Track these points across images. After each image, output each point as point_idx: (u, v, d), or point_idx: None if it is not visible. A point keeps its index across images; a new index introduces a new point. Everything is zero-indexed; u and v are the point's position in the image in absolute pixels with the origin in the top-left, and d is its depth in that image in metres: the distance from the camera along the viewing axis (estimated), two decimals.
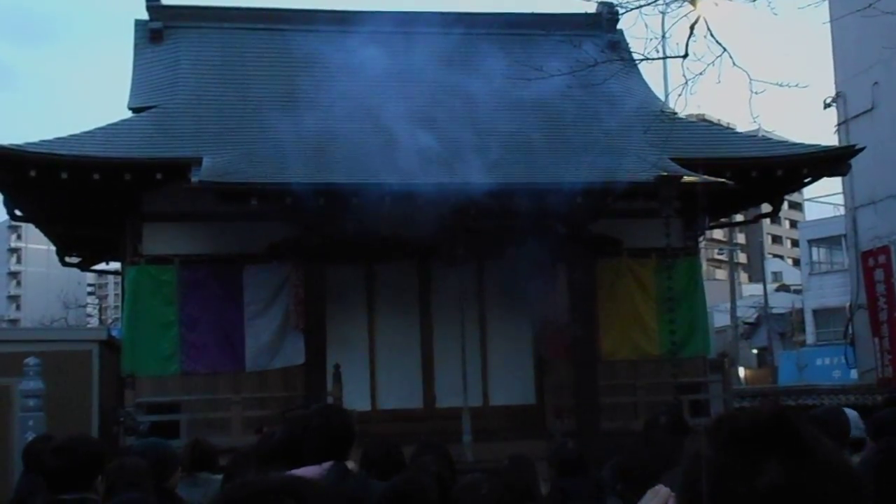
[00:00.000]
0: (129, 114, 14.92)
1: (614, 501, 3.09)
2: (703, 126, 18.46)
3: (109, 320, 55.27)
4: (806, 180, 15.59)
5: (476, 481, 3.81)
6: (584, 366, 13.74)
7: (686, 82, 8.81)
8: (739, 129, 21.97)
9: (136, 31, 16.85)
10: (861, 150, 15.16)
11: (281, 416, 12.89)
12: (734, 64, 8.82)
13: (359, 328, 14.69)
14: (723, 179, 12.96)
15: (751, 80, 8.84)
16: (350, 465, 3.61)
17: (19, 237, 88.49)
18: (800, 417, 1.19)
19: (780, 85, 8.94)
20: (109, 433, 12.51)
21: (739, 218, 19.93)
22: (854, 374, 22.94)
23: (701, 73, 9.14)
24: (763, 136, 20.51)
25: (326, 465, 3.55)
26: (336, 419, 3.72)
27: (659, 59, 9.71)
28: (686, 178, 12.62)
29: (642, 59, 10.11)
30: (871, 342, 19.37)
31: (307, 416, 3.73)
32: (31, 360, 10.63)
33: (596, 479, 4.66)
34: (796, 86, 9.99)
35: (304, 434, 3.60)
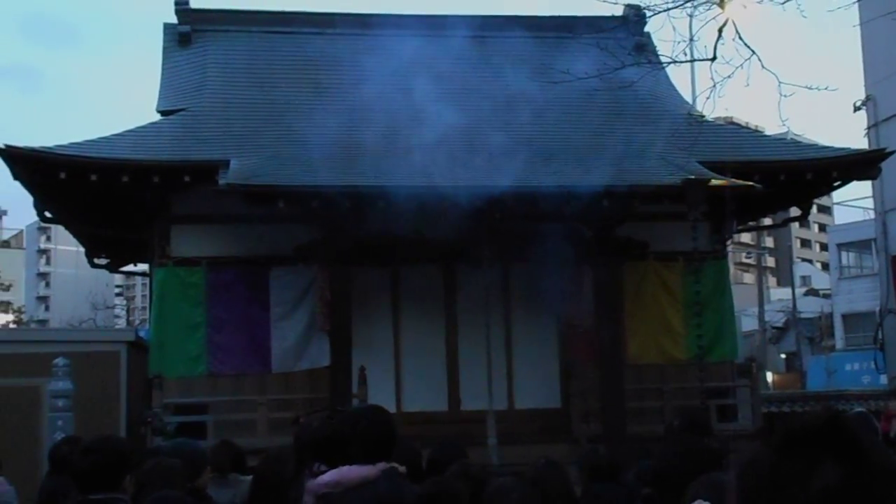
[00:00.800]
0: (157, 116, 15.03)
1: None
2: (731, 129, 18.34)
3: (137, 321, 55.67)
4: (835, 184, 15.45)
5: (506, 485, 3.80)
6: (611, 369, 13.69)
7: (714, 85, 8.77)
8: (768, 133, 21.87)
9: (165, 34, 16.98)
10: (891, 153, 15.02)
11: (307, 417, 12.96)
12: (763, 67, 8.78)
13: (384, 330, 14.70)
14: (751, 183, 12.87)
15: (780, 83, 8.78)
16: (401, 469, 3.62)
17: (48, 238, 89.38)
18: (854, 421, 1.19)
19: (810, 88, 8.90)
20: (137, 434, 12.59)
21: (767, 221, 19.80)
22: (884, 379, 22.71)
23: (729, 76, 9.10)
24: (792, 139, 20.37)
25: (380, 465, 3.56)
26: (384, 420, 3.73)
27: (687, 61, 9.68)
28: (714, 182, 12.54)
29: (670, 62, 10.09)
30: None
31: (354, 415, 3.74)
32: (59, 361, 10.71)
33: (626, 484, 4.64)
34: (826, 89, 9.92)
35: (353, 433, 3.61)
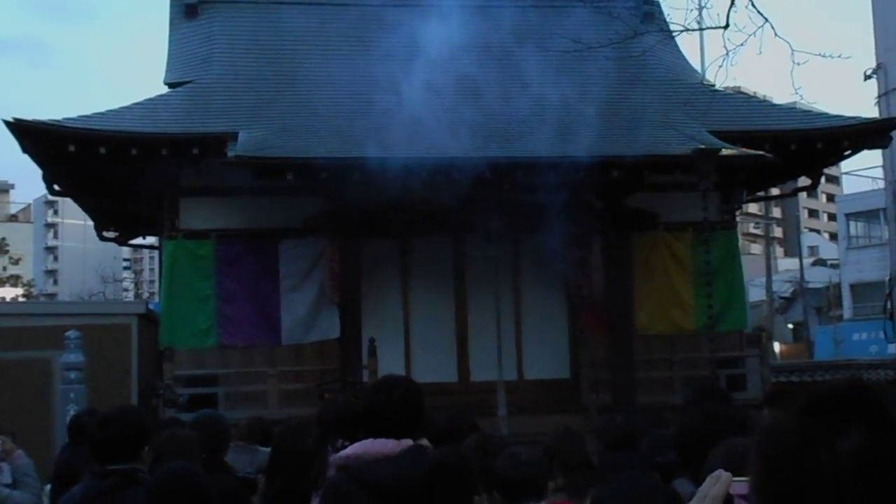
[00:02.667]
0: (165, 89, 14.99)
1: (683, 482, 3.07)
2: (741, 98, 18.22)
3: (145, 294, 55.84)
4: (846, 153, 15.37)
5: (517, 452, 3.82)
6: (620, 340, 13.70)
7: (727, 53, 8.70)
8: (776, 102, 21.73)
9: (172, 6, 16.89)
10: None
11: (318, 390, 13.02)
12: (776, 34, 8.70)
13: (394, 302, 14.72)
14: (762, 152, 12.81)
15: (793, 50, 8.71)
16: (425, 444, 3.61)
17: (56, 213, 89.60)
18: (879, 387, 1.18)
19: (823, 56, 8.83)
20: (148, 406, 12.64)
21: (775, 192, 19.72)
22: (892, 348, 22.71)
23: (742, 44, 9.03)
24: (801, 108, 20.25)
25: (405, 442, 3.55)
26: (417, 393, 3.72)
27: (700, 30, 9.60)
28: (724, 151, 12.47)
29: (683, 30, 10.00)
30: None
31: (388, 385, 3.73)
32: (71, 333, 10.74)
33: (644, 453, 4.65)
34: (839, 56, 9.83)
35: (386, 404, 3.60)
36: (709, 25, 9.46)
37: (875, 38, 21.24)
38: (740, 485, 1.42)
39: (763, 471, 1.19)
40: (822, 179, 16.29)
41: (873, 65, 21.11)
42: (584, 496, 4.23)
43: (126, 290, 63.69)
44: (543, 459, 3.97)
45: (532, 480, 3.76)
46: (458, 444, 4.18)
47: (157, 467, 4.08)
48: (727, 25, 8.70)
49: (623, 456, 4.71)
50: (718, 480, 1.43)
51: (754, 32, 8.68)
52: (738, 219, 17.36)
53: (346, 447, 3.83)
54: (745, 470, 1.41)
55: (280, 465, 4.89)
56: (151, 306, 15.94)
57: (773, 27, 8.60)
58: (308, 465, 4.47)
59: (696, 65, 18.37)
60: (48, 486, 6.33)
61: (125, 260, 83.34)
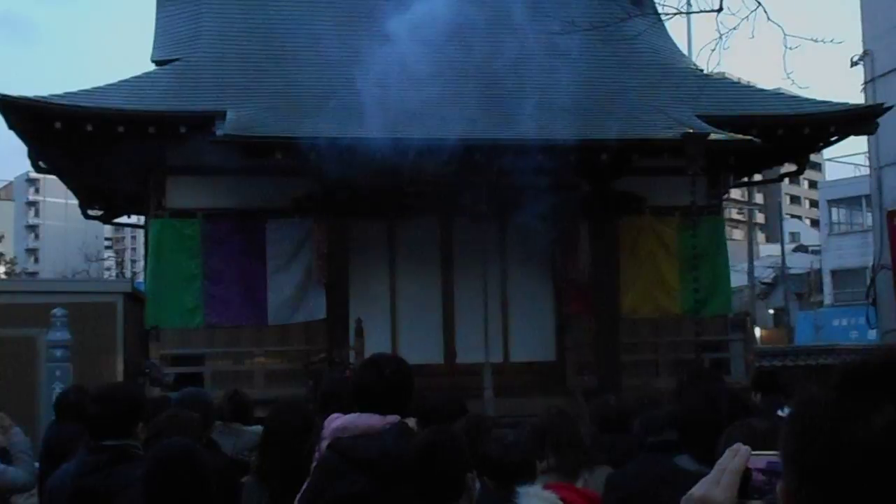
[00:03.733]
0: (152, 66, 14.88)
1: (685, 459, 3.10)
2: (729, 83, 18.24)
3: (128, 274, 55.60)
4: (833, 139, 15.44)
5: (507, 434, 3.84)
6: (606, 323, 13.76)
7: (720, 37, 8.71)
8: (762, 87, 21.71)
9: None
10: (889, 108, 15.01)
11: (305, 370, 13.04)
12: (768, 18, 8.72)
13: (381, 283, 14.72)
14: (750, 137, 12.85)
15: (785, 35, 8.72)
16: (411, 422, 3.63)
17: (37, 191, 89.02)
18: None
19: (815, 41, 8.85)
20: (135, 384, 12.62)
21: (758, 177, 19.79)
22: (872, 334, 22.89)
23: (735, 28, 9.04)
24: (787, 94, 20.27)
25: (391, 418, 3.57)
26: (407, 371, 3.73)
27: (692, 13, 9.60)
28: (713, 136, 12.51)
29: (676, 13, 10.00)
30: (895, 303, 19.28)
31: (375, 365, 3.74)
32: (58, 311, 10.71)
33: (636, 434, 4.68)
34: (831, 41, 9.86)
35: (375, 383, 3.61)
36: (701, 9, 9.46)
37: (862, 24, 21.29)
38: (758, 459, 1.43)
39: (797, 443, 1.20)
40: (806, 165, 16.37)
41: (860, 51, 21.18)
42: (576, 476, 4.26)
43: (108, 269, 63.36)
44: (531, 440, 4.00)
45: (522, 462, 3.78)
46: (448, 424, 4.20)
47: (154, 444, 4.08)
48: (720, 9, 8.71)
49: (615, 437, 4.74)
50: (737, 454, 1.44)
51: (747, 16, 8.69)
52: (723, 204, 17.42)
53: (332, 419, 3.84)
54: (762, 448, 1.42)
55: (273, 442, 4.90)
56: (137, 285, 15.90)
57: (765, 11, 8.61)
58: (300, 442, 4.49)
59: (684, 49, 18.41)
60: (36, 465, 6.32)
61: (107, 239, 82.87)
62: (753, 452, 1.44)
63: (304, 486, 3.73)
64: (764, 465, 1.42)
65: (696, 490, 1.42)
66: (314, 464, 3.82)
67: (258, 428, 5.70)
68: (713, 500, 1.39)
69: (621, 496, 3.36)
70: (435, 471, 3.28)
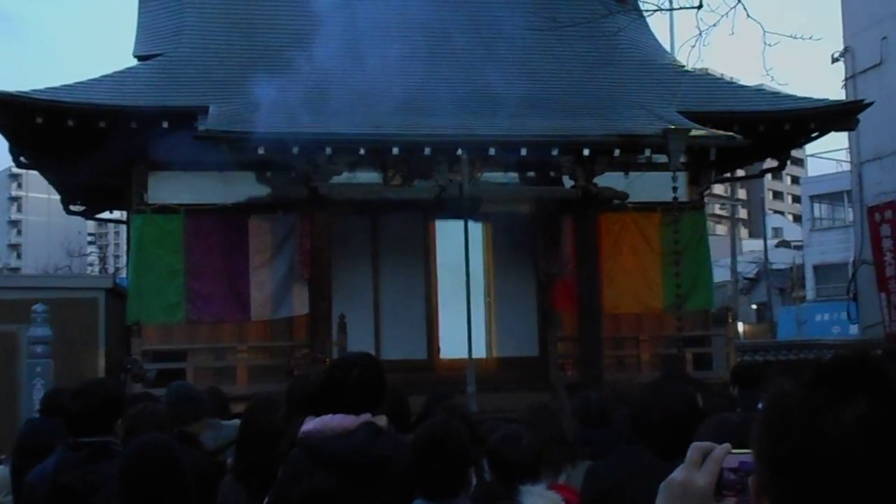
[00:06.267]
0: (134, 62, 14.82)
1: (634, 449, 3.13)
2: (710, 79, 18.35)
3: (111, 269, 55.37)
4: (813, 135, 15.53)
5: (516, 432, 3.84)
6: (589, 318, 13.79)
7: (700, 33, 8.76)
8: (743, 83, 21.81)
9: None
10: (869, 104, 15.10)
11: (287, 366, 13.03)
12: (748, 16, 8.76)
13: (364, 279, 14.72)
14: (732, 133, 12.92)
15: (764, 31, 8.77)
16: (382, 421, 3.62)
17: (20, 186, 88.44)
18: (884, 359, 1.21)
19: (794, 37, 8.90)
20: (116, 380, 12.58)
21: (740, 173, 19.89)
22: (854, 329, 23.02)
23: (714, 25, 9.09)
24: (768, 90, 20.38)
25: (364, 416, 3.56)
26: (376, 369, 3.72)
27: (673, 9, 9.64)
28: (694, 132, 12.57)
29: (656, 10, 10.03)
30: (877, 297, 19.40)
31: (346, 364, 3.73)
32: (38, 307, 10.66)
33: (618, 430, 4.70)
34: (810, 38, 9.91)
35: (343, 382, 3.60)
36: (681, 6, 9.50)
37: (843, 21, 21.41)
38: (731, 458, 1.44)
39: (768, 439, 1.21)
40: (788, 161, 16.45)
41: (841, 48, 21.29)
42: (558, 472, 4.28)
43: (91, 264, 63.07)
44: (538, 441, 3.99)
45: (533, 462, 3.78)
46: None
47: (130, 441, 4.09)
48: (700, 6, 8.75)
49: (598, 432, 4.77)
50: (716, 448, 1.45)
51: (727, 13, 8.76)
52: (705, 199, 17.50)
53: (306, 422, 3.84)
54: (732, 440, 1.44)
55: (250, 440, 4.90)
56: (119, 281, 15.85)
57: (745, 8, 8.67)
58: (277, 439, 4.49)
59: (666, 45, 18.46)
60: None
61: (90, 235, 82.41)
62: (733, 451, 1.44)
63: (273, 485, 3.73)
64: (736, 465, 1.43)
65: (677, 475, 1.42)
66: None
67: (237, 422, 5.70)
68: (694, 485, 1.40)
69: (600, 487, 3.39)
70: (437, 465, 3.29)
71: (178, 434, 4.73)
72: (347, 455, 3.41)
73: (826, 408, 1.16)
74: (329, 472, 3.43)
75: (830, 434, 1.14)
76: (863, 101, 15.44)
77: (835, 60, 21.33)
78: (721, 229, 62.79)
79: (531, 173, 13.99)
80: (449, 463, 3.27)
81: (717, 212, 66.90)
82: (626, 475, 2.87)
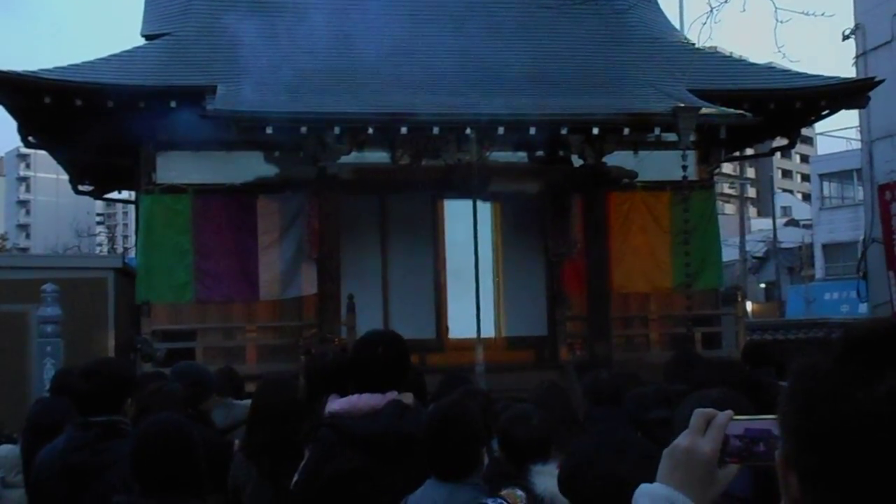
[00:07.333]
0: (142, 41, 14.78)
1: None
2: (721, 57, 18.21)
3: (119, 249, 55.50)
4: (823, 113, 15.42)
5: (526, 411, 3.83)
6: (598, 298, 13.78)
7: (711, 10, 8.67)
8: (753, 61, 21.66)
9: None
10: (880, 82, 14.99)
11: (300, 346, 13.04)
12: None
13: (372, 258, 14.70)
14: (742, 111, 12.84)
15: (776, 8, 8.69)
16: (408, 398, 3.62)
17: (28, 166, 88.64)
18: None
19: (806, 14, 8.79)
20: (126, 360, 12.62)
21: (749, 151, 19.80)
22: (863, 308, 22.97)
23: (726, 1, 9.00)
24: (778, 68, 20.24)
25: (390, 395, 3.56)
26: (400, 347, 3.72)
27: None
28: (704, 110, 12.49)
29: None
30: (886, 276, 19.34)
31: (370, 341, 3.73)
32: (48, 287, 10.69)
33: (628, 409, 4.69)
34: (822, 15, 9.79)
35: (368, 360, 3.61)
36: None
37: None
38: (736, 425, 1.43)
39: (796, 412, 1.19)
40: (798, 140, 16.36)
41: (852, 25, 21.13)
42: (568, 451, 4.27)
43: (100, 244, 63.19)
44: (547, 420, 3.98)
45: (545, 441, 3.78)
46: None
47: (142, 420, 4.09)
48: None
49: (607, 411, 4.76)
50: (720, 414, 1.44)
51: None
52: (714, 178, 17.43)
53: (332, 402, 3.85)
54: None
55: (261, 419, 4.91)
56: (128, 260, 15.87)
57: None
58: (288, 418, 4.49)
59: (675, 22, 18.34)
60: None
61: (98, 214, 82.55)
62: (735, 418, 1.44)
63: (301, 464, 3.74)
64: (741, 432, 1.42)
65: (681, 441, 1.41)
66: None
67: (248, 403, 5.72)
68: (700, 451, 1.39)
69: (573, 463, 3.39)
70: (449, 445, 3.29)
71: (192, 413, 4.74)
72: (377, 436, 3.42)
73: (857, 381, 1.13)
74: (358, 451, 3.44)
75: (862, 408, 1.12)
76: (874, 78, 15.33)
77: (846, 37, 21.17)
78: (730, 208, 62.68)
79: (540, 152, 13.94)
80: (461, 443, 3.27)
81: (726, 191, 66.73)
82: (598, 449, 2.87)
